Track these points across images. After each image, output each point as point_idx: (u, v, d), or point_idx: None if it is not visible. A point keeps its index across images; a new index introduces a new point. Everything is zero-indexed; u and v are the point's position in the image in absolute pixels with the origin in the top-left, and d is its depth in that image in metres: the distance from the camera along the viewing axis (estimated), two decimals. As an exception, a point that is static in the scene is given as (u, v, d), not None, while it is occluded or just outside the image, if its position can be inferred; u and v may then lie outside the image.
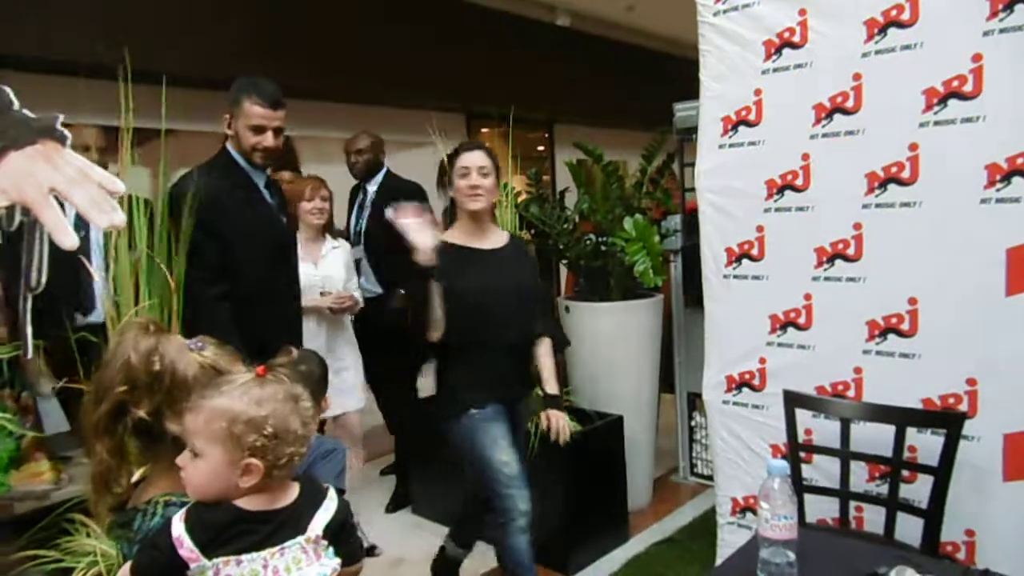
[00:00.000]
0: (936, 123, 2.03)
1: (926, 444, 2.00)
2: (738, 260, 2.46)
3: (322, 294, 2.96)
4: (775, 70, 2.32)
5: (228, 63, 2.41)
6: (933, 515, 1.89)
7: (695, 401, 3.58)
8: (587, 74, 6.55)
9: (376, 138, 3.54)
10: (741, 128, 2.41)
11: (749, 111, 2.39)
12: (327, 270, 3.04)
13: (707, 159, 2.50)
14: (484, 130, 6.15)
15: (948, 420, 1.91)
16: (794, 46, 2.28)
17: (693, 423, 3.69)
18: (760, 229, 2.40)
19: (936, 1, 2.01)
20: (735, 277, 2.47)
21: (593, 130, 6.24)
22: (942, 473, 1.87)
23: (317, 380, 2.13)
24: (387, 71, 4.92)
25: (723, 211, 2.47)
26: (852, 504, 2.13)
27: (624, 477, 3.15)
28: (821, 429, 2.20)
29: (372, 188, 3.49)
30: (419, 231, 2.14)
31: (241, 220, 2.32)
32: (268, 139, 2.34)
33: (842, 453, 2.05)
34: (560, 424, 2.36)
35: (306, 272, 2.79)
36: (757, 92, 2.37)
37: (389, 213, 2.24)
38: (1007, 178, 1.93)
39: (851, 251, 2.21)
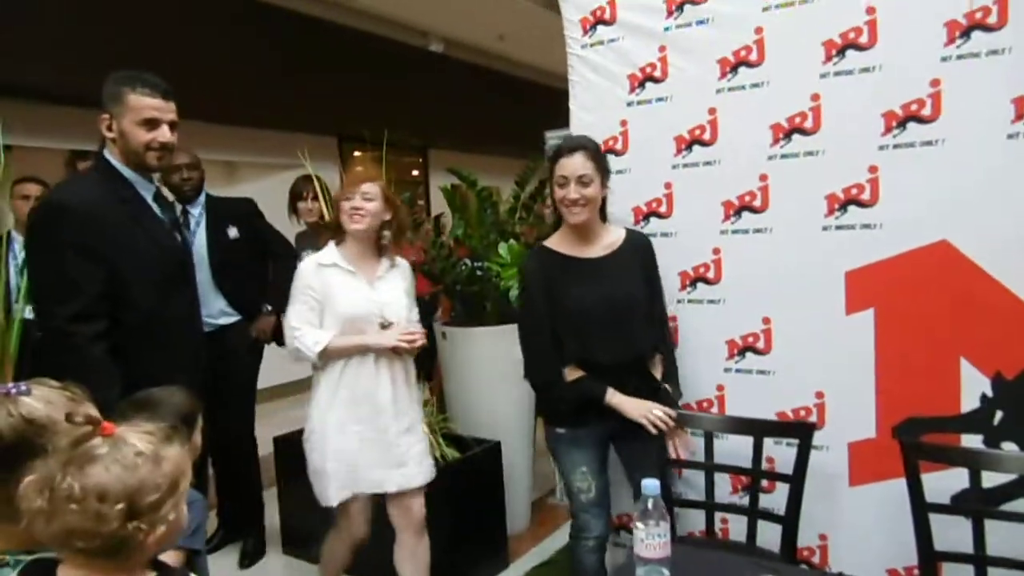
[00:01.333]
0: (783, 156, 2.20)
1: (782, 455, 2.12)
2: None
3: (383, 327, 2.26)
4: (639, 102, 2.43)
5: (88, 80, 2.14)
6: (790, 521, 2.01)
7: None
8: (461, 100, 6.62)
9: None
10: (609, 157, 2.50)
11: (616, 140, 2.49)
12: (386, 294, 2.30)
13: (577, 187, 2.57)
14: (357, 153, 6.05)
15: (800, 431, 2.04)
16: (656, 80, 2.40)
17: (569, 444, 3.73)
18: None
19: (779, 45, 2.18)
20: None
21: (467, 156, 6.30)
22: (796, 481, 2.00)
23: (183, 419, 1.88)
24: (257, 93, 4.74)
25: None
26: (718, 515, 2.23)
27: (503, 502, 3.13)
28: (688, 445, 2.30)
29: (197, 210, 3.11)
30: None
31: (130, 240, 1.99)
32: (164, 133, 2.04)
33: (706, 465, 2.14)
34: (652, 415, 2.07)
35: (359, 296, 2.24)
36: (623, 123, 2.47)
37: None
38: (844, 207, 2.11)
39: (711, 274, 2.34)
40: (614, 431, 2.15)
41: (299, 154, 3.19)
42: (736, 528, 2.28)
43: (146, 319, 2.01)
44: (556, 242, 2.20)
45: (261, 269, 3.29)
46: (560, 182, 2.10)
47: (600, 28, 2.48)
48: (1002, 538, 1.66)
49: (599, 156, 2.14)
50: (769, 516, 2.07)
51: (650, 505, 1.38)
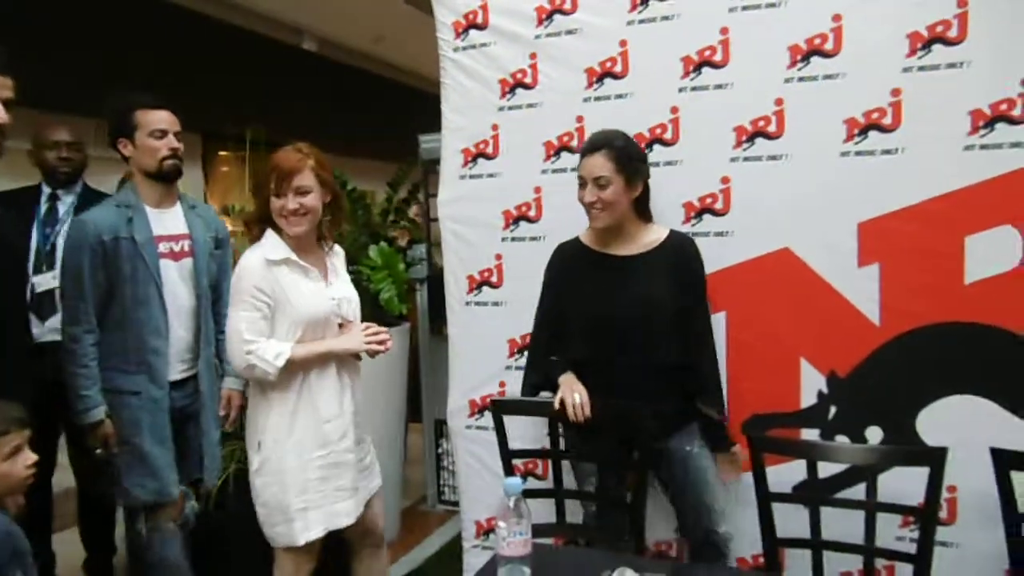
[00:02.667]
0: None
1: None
2: (479, 287, 2.53)
3: (341, 326, 2.02)
4: (510, 107, 2.46)
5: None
6: (636, 510, 2.04)
7: (442, 428, 3.60)
8: (334, 102, 6.44)
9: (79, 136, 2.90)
10: (480, 160, 2.52)
11: (487, 144, 2.50)
12: (343, 289, 2.08)
13: (448, 189, 2.57)
14: (222, 152, 5.74)
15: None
16: (526, 87, 2.43)
17: (440, 450, 3.71)
18: (498, 257, 2.50)
19: (642, 58, 2.27)
20: (476, 304, 2.54)
21: (339, 158, 6.11)
22: (643, 467, 2.04)
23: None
24: (115, 84, 4.38)
25: (464, 240, 2.54)
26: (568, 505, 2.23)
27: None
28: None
29: (69, 199, 2.80)
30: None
31: None
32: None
33: (553, 454, 2.08)
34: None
35: (317, 295, 1.97)
36: (494, 127, 2.48)
37: None
38: (699, 215, 2.23)
39: (578, 278, 2.39)
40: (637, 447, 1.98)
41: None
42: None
43: None
44: (588, 235, 2.12)
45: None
46: (579, 182, 2.03)
47: (472, 32, 2.48)
48: (836, 523, 1.79)
49: (624, 155, 1.99)
50: (618, 504, 2.10)
51: (511, 503, 1.37)
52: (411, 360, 3.58)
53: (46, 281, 2.68)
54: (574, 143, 2.37)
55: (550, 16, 2.37)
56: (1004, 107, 1.92)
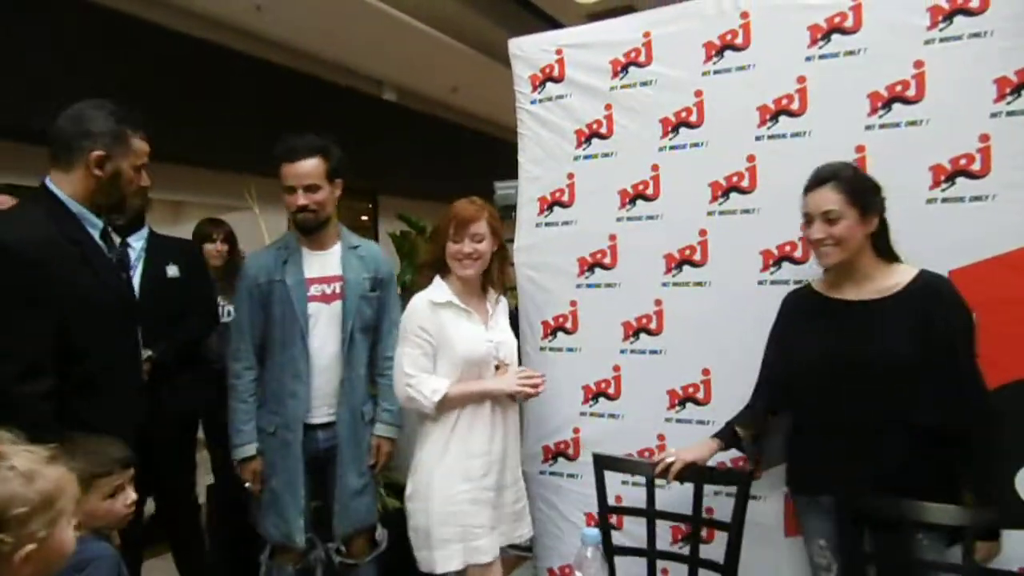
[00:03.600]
0: (721, 212, 2.29)
1: (721, 505, 2.15)
2: (553, 333, 2.56)
3: (497, 367, 2.13)
4: (586, 157, 2.51)
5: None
6: (728, 570, 2.02)
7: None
8: (411, 148, 6.69)
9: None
10: (556, 209, 2.57)
11: (563, 193, 2.55)
12: (500, 333, 2.19)
13: (525, 236, 2.62)
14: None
15: (738, 478, 2.07)
16: (602, 136, 2.48)
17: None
18: (573, 304, 2.53)
19: (717, 107, 2.29)
20: (551, 349, 2.57)
21: (416, 202, 6.34)
22: (735, 529, 2.02)
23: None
24: (208, 132, 4.70)
25: (539, 286, 2.59)
26: (659, 565, 2.22)
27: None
28: (629, 495, 2.31)
29: (139, 244, 2.77)
30: None
31: (80, 285, 1.76)
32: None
33: (648, 513, 2.13)
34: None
35: (476, 337, 2.11)
36: (570, 176, 2.54)
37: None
38: (778, 263, 2.21)
39: (653, 325, 2.40)
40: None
41: (246, 195, 3.17)
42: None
43: (93, 369, 1.78)
44: (820, 281, 1.95)
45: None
46: (805, 219, 1.86)
47: (549, 85, 2.56)
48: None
49: (855, 185, 1.80)
50: (708, 564, 2.07)
51: (589, 553, 1.38)
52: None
53: None
54: (649, 191, 2.40)
55: (625, 68, 2.43)
56: (964, 162, 1.93)
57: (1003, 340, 1.94)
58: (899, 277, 1.82)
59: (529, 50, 2.61)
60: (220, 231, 3.42)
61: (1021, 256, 1.93)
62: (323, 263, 2.37)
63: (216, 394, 2.72)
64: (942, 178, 2.00)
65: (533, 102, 2.60)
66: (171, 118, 4.42)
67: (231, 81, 4.93)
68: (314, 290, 2.33)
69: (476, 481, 2.06)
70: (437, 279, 2.15)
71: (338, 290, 2.35)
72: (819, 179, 1.83)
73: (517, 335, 2.66)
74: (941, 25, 2.00)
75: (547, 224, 2.58)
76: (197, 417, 2.96)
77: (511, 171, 2.73)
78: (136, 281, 2.62)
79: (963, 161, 1.98)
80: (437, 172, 6.91)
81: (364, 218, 7.14)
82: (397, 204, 6.22)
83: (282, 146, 2.30)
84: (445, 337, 2.07)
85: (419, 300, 2.11)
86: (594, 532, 1.40)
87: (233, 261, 3.38)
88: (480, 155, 6.35)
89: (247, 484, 2.37)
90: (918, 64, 2.03)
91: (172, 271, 2.82)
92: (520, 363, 2.62)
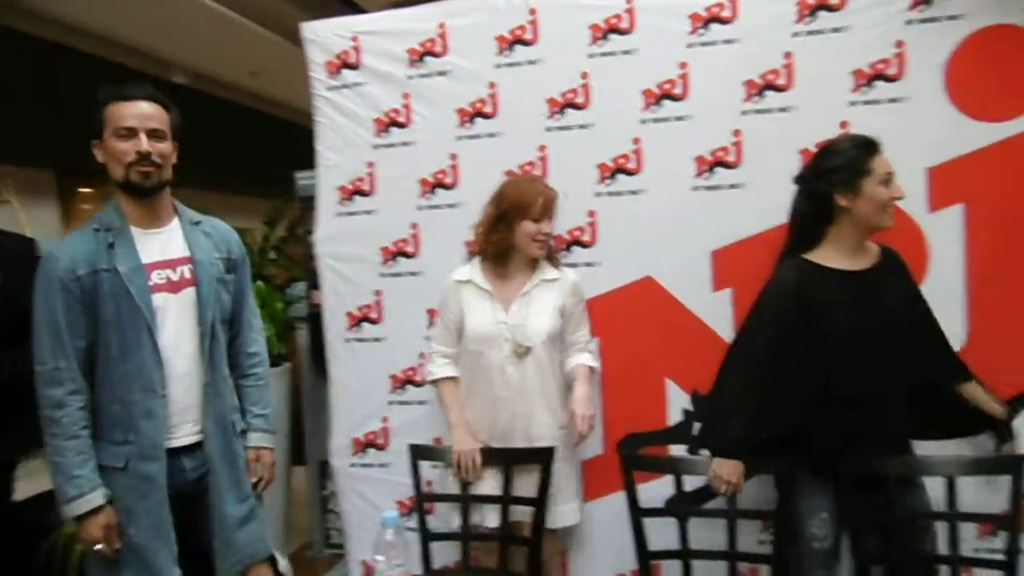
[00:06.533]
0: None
1: (525, 482, 2.24)
2: (358, 324, 2.54)
3: (517, 353, 2.12)
4: (385, 145, 2.50)
5: None
6: (532, 543, 2.11)
7: (326, 470, 3.52)
8: (205, 136, 6.24)
9: None
10: (357, 198, 2.53)
11: (363, 181, 2.52)
12: (524, 315, 2.13)
13: (325, 226, 2.56)
14: (83, 189, 5.42)
15: (541, 456, 2.17)
16: (400, 125, 2.49)
17: (325, 493, 3.61)
18: (378, 293, 2.52)
19: (510, 94, 2.38)
20: (356, 340, 2.54)
21: (210, 194, 5.93)
22: (540, 503, 2.12)
23: None
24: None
25: (342, 276, 2.54)
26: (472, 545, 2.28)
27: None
28: (441, 479, 2.35)
29: None
30: None
31: None
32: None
33: (462, 498, 2.17)
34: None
35: (486, 317, 2.14)
36: (370, 165, 2.52)
37: None
38: (569, 247, 2.35)
39: (457, 311, 2.44)
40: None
41: (2, 187, 2.80)
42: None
43: None
44: (821, 255, 1.89)
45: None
46: (885, 179, 1.81)
47: (345, 72, 2.52)
48: (703, 533, 1.91)
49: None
50: (513, 540, 2.16)
51: (389, 536, 1.39)
52: (293, 402, 3.49)
53: None
54: (448, 180, 2.44)
55: (421, 58, 2.45)
56: None
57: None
58: (873, 246, 1.94)
59: (324, 35, 2.54)
60: None
61: (772, 235, 2.21)
62: (163, 243, 1.88)
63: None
64: (704, 168, 2.24)
65: (330, 88, 2.54)
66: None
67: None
68: (156, 277, 1.84)
69: None
70: (474, 259, 2.22)
71: (187, 274, 1.88)
72: (875, 144, 1.85)
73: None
74: (701, 30, 2.24)
75: (348, 213, 2.54)
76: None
77: (312, 161, 2.64)
78: None
79: (721, 153, 2.23)
80: (234, 161, 6.52)
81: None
82: (188, 196, 5.79)
83: (107, 90, 1.86)
84: (463, 313, 2.17)
85: (449, 280, 2.23)
86: (393, 515, 1.41)
87: None
88: (283, 144, 6.07)
89: (98, 547, 1.77)
90: (682, 65, 2.25)
91: None
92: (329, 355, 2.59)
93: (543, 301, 2.14)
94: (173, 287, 1.86)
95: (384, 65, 2.48)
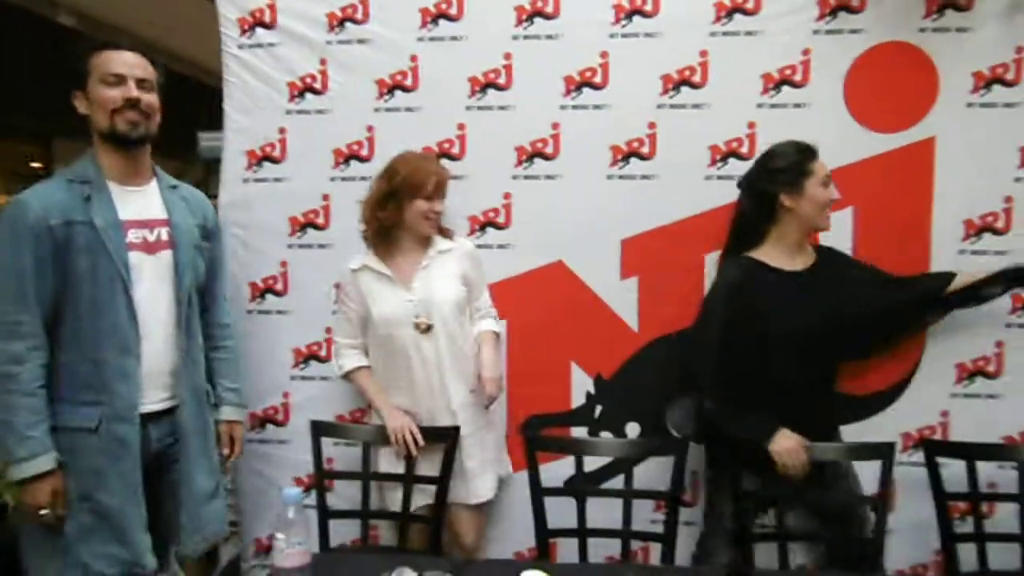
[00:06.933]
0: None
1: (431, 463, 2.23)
2: (262, 295, 2.45)
3: (420, 329, 2.09)
4: (299, 111, 2.41)
5: None
6: (434, 520, 2.12)
7: (221, 443, 3.40)
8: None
9: None
10: (266, 164, 2.43)
11: (274, 147, 2.43)
12: (428, 290, 2.10)
13: (230, 192, 2.45)
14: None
15: (445, 435, 2.18)
16: (316, 92, 2.40)
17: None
18: (284, 264, 2.44)
19: (431, 74, 2.35)
20: (259, 312, 2.45)
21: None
22: (442, 483, 2.13)
23: None
24: None
25: (247, 245, 2.44)
26: (370, 523, 2.27)
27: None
28: (341, 456, 2.32)
29: None
30: None
31: None
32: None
33: (364, 476, 2.16)
34: None
35: (391, 299, 2.10)
36: (281, 130, 2.42)
37: None
38: (483, 228, 2.35)
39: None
40: None
41: None
42: (386, 535, 2.36)
43: None
44: (763, 252, 2.02)
45: None
46: (825, 180, 1.97)
47: (259, 31, 2.40)
48: (601, 512, 1.97)
49: None
50: (415, 518, 2.16)
51: (291, 513, 1.36)
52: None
53: None
54: (364, 152, 2.39)
55: (341, 23, 2.36)
56: (736, 144, 2.26)
57: (664, 298, 2.30)
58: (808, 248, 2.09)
59: (237, -11, 2.41)
60: None
61: (679, 227, 2.29)
62: (141, 203, 1.84)
63: None
64: (619, 158, 2.29)
65: (241, 47, 2.41)
66: None
67: None
68: (132, 236, 1.79)
69: None
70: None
71: (164, 236, 1.85)
72: (814, 149, 2.00)
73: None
74: (624, 21, 2.27)
75: (256, 180, 2.44)
76: None
77: (217, 122, 2.51)
78: None
79: (636, 144, 2.29)
80: (131, 116, 6.11)
81: (36, 165, 6.09)
82: (77, 149, 5.40)
83: (92, 41, 1.87)
84: (365, 302, 2.12)
85: (345, 270, 2.16)
86: (295, 492, 1.37)
87: None
88: (182, 101, 5.74)
89: (43, 512, 1.69)
90: (603, 54, 2.28)
91: None
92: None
93: (444, 271, 2.13)
94: (149, 248, 1.82)
95: (301, 27, 2.38)
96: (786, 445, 1.90)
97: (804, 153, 1.98)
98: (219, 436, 2.03)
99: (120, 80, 1.77)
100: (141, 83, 1.80)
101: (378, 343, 2.15)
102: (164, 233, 1.85)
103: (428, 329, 2.08)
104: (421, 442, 2.06)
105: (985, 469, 1.95)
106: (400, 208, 2.07)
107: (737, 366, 1.95)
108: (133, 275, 1.77)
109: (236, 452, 2.09)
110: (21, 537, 1.80)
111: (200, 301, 1.98)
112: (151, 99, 1.82)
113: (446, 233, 2.19)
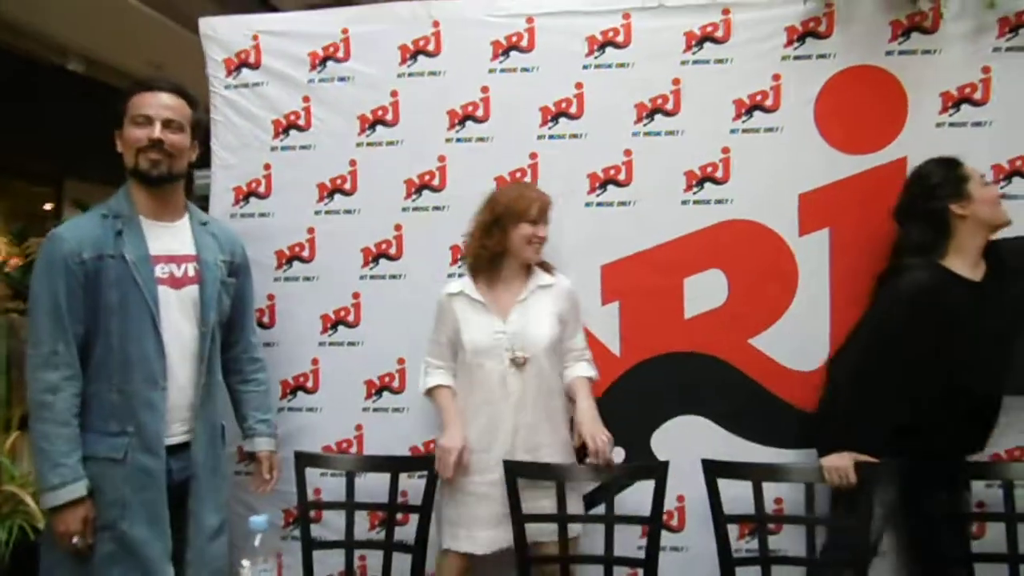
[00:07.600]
0: (415, 209, 2.41)
1: (415, 487, 2.25)
2: (250, 327, 2.48)
3: (515, 363, 2.05)
4: (283, 148, 2.47)
5: None
6: (419, 551, 2.12)
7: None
8: (105, 128, 5.96)
9: None
10: (252, 199, 2.49)
11: (259, 183, 2.48)
12: (522, 324, 2.07)
13: (219, 227, 2.50)
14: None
15: (425, 464, 2.19)
16: (300, 128, 2.46)
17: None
18: (271, 297, 2.48)
19: (411, 104, 2.40)
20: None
21: (110, 189, 5.67)
22: (424, 512, 2.13)
23: None
24: None
25: (235, 279, 2.48)
26: (356, 553, 2.27)
27: None
28: (328, 486, 2.33)
29: None
30: None
31: None
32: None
33: (347, 505, 2.17)
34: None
35: (483, 329, 2.08)
36: (267, 167, 2.48)
37: None
38: (464, 257, 2.37)
39: (351, 317, 2.44)
40: None
41: None
42: (372, 564, 2.35)
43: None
44: (953, 261, 1.98)
45: None
46: (981, 180, 2.00)
47: (245, 71, 2.48)
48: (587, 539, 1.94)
49: None
50: (401, 547, 2.16)
51: (257, 542, 1.38)
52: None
53: None
54: (347, 186, 2.44)
55: (323, 62, 2.44)
56: (710, 169, 2.29)
57: (642, 322, 2.31)
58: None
59: (223, 32, 2.49)
60: None
61: (657, 252, 2.31)
62: (171, 238, 1.91)
63: None
64: (596, 185, 2.33)
65: (228, 87, 2.49)
66: None
67: None
68: (160, 271, 1.85)
69: (478, 475, 2.04)
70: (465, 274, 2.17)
71: (191, 272, 1.91)
72: (956, 158, 2.02)
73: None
74: (597, 53, 2.32)
75: (243, 215, 2.49)
76: None
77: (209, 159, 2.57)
78: None
79: (612, 172, 2.32)
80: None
81: (48, 207, 6.21)
82: (87, 191, 5.51)
83: (135, 81, 1.94)
84: (458, 327, 2.11)
85: (441, 293, 2.17)
86: (260, 519, 1.39)
87: None
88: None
89: (75, 539, 1.72)
90: (578, 85, 2.33)
91: None
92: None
93: (541, 308, 2.10)
94: (175, 283, 1.88)
95: (285, 67, 2.45)
96: (838, 463, 1.91)
97: (951, 162, 2.00)
98: (259, 464, 2.15)
99: (148, 121, 1.85)
100: (168, 124, 1.87)
101: (466, 371, 2.11)
102: (191, 269, 1.91)
103: (524, 363, 2.05)
104: (450, 472, 2.00)
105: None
106: (505, 234, 2.07)
107: (908, 372, 1.91)
108: (161, 309, 1.83)
109: (275, 479, 2.17)
110: (43, 564, 1.82)
111: (227, 335, 2.06)
112: (176, 139, 1.88)
113: (547, 268, 2.18)
